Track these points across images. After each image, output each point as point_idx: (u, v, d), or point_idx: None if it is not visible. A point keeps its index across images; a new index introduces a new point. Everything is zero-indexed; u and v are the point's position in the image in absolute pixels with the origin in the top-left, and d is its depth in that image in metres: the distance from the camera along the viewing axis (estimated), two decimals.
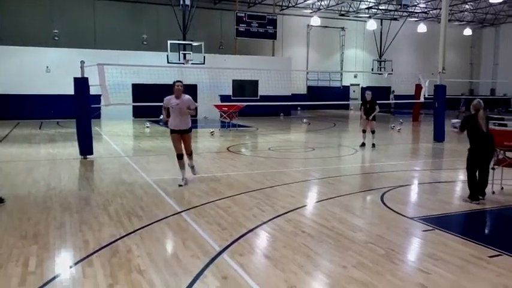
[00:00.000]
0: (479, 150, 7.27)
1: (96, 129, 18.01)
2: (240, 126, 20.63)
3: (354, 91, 37.77)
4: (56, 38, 26.94)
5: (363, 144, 14.05)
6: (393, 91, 34.44)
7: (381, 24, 37.35)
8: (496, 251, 5.11)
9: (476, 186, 7.33)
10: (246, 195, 7.73)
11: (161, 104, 8.49)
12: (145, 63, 21.06)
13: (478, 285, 4.31)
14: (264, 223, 6.13)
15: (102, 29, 28.18)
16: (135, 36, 28.69)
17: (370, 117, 13.90)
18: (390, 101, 31.43)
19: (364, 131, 14.28)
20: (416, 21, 37.89)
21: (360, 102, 15.74)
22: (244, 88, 27.83)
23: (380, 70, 36.31)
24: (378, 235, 5.66)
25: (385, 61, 36.74)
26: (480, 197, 7.35)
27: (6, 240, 5.37)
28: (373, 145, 13.94)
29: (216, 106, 22.25)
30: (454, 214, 6.86)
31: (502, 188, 8.06)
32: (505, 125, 16.59)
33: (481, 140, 7.25)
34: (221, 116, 21.18)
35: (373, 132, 14.07)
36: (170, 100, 8.30)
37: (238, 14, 28.94)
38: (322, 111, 33.59)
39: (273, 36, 30.26)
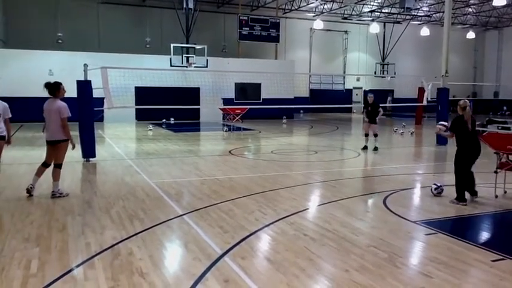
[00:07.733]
0: (469, 151, 7.28)
1: (99, 132, 18.04)
2: (242, 129, 20.63)
3: (356, 94, 37.77)
4: (60, 41, 27.14)
5: (365, 148, 14.04)
6: (390, 94, 34.51)
7: (384, 28, 37.35)
8: (499, 255, 5.09)
9: (467, 187, 7.39)
10: (248, 198, 7.72)
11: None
12: (149, 67, 21.14)
13: None
14: (266, 226, 6.12)
15: (105, 33, 28.31)
16: (138, 40, 28.82)
17: (376, 119, 13.83)
18: (387, 104, 31.36)
19: (366, 135, 14.29)
20: (419, 24, 37.88)
21: (363, 105, 15.88)
22: (247, 91, 27.85)
23: (383, 73, 36.34)
24: (380, 238, 5.64)
25: (388, 64, 36.74)
26: (474, 197, 7.45)
27: (9, 243, 5.38)
28: (376, 148, 13.90)
29: (222, 109, 22.31)
30: (457, 218, 6.83)
31: (505, 192, 8.01)
32: (509, 128, 16.57)
33: (469, 140, 7.28)
34: (224, 118, 21.21)
35: (375, 135, 14.06)
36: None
37: (241, 18, 29.04)
38: (324, 114, 33.58)
39: (275, 39, 30.34)
